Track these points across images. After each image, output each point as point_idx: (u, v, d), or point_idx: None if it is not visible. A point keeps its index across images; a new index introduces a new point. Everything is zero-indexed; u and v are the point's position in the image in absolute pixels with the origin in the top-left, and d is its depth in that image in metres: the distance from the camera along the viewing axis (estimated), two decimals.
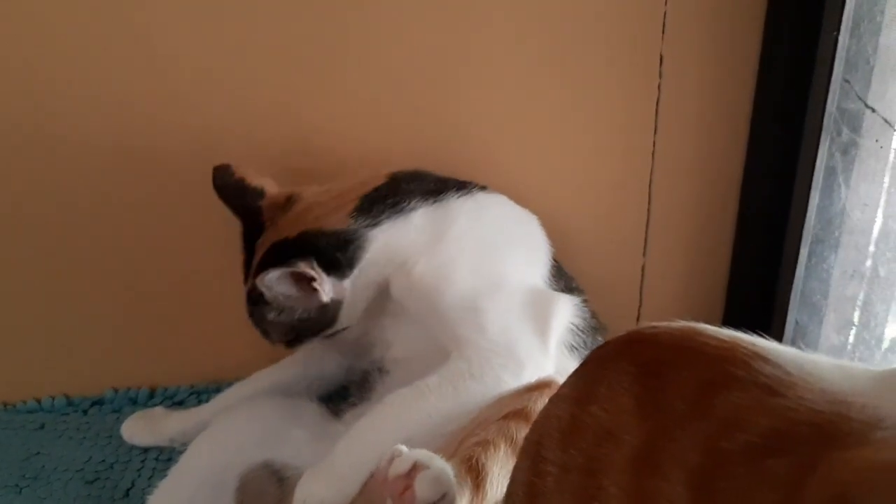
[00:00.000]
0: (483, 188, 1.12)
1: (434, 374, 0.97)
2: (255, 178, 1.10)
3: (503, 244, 1.09)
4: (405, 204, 1.05)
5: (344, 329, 1.08)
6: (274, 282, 0.98)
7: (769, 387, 0.50)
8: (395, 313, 1.08)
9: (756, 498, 0.47)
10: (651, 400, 0.56)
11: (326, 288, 1.00)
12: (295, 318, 1.04)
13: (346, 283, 1.03)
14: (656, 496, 0.52)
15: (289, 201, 1.08)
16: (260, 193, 1.09)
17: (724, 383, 0.52)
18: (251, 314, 1.07)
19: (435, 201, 1.07)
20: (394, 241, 1.04)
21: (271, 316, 1.05)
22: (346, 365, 1.20)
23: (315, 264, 0.99)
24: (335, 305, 1.03)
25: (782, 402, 0.49)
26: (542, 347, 1.00)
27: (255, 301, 1.05)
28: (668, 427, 0.53)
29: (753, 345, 0.54)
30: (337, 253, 1.01)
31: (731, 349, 0.54)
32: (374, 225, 1.03)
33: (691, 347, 0.56)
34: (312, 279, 0.99)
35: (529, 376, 0.96)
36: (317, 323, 1.05)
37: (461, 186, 1.10)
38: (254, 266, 1.06)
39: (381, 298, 1.07)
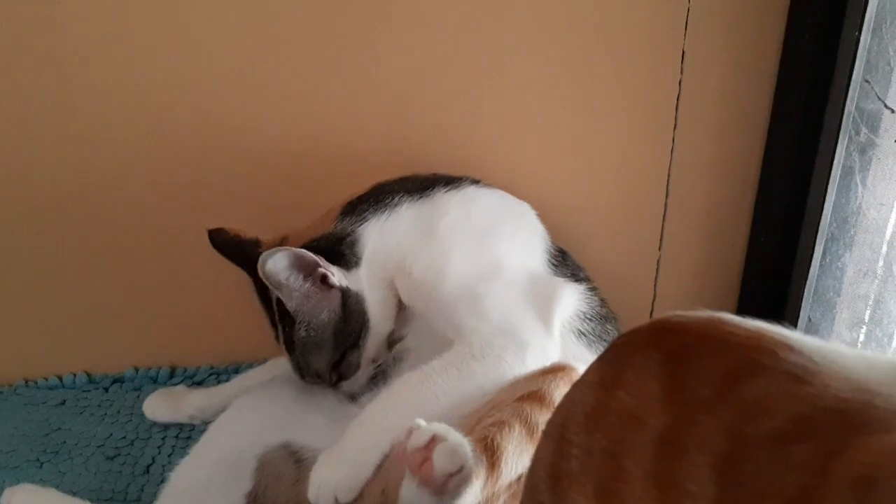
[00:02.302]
0: (475, 182, 1.14)
1: (438, 358, 0.99)
2: (248, 234, 1.12)
3: (496, 233, 1.10)
4: (388, 200, 1.07)
5: (388, 338, 1.09)
6: (276, 265, 0.98)
7: (795, 375, 0.51)
8: (403, 314, 1.10)
9: (780, 481, 0.48)
10: (677, 386, 0.57)
11: (334, 271, 1.02)
12: (324, 320, 1.03)
13: (358, 273, 1.04)
14: (680, 478, 0.53)
15: (284, 240, 1.09)
16: (256, 243, 1.10)
17: (750, 371, 0.54)
18: (294, 355, 1.06)
19: (421, 196, 1.09)
20: (386, 234, 1.06)
21: (302, 333, 1.03)
22: None
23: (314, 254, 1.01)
24: (357, 299, 1.04)
25: (808, 390, 0.50)
26: (545, 330, 1.02)
27: (288, 334, 1.04)
28: (694, 412, 0.55)
29: (779, 334, 0.55)
30: (334, 246, 1.04)
31: (757, 338, 0.55)
32: (361, 221, 1.06)
33: (718, 336, 0.58)
34: (316, 265, 1.00)
35: (533, 358, 0.98)
36: (351, 325, 1.04)
37: (450, 182, 1.11)
38: (275, 311, 1.06)
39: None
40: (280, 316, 1.06)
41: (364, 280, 1.05)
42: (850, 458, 0.45)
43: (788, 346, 0.54)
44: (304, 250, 0.99)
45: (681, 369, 0.58)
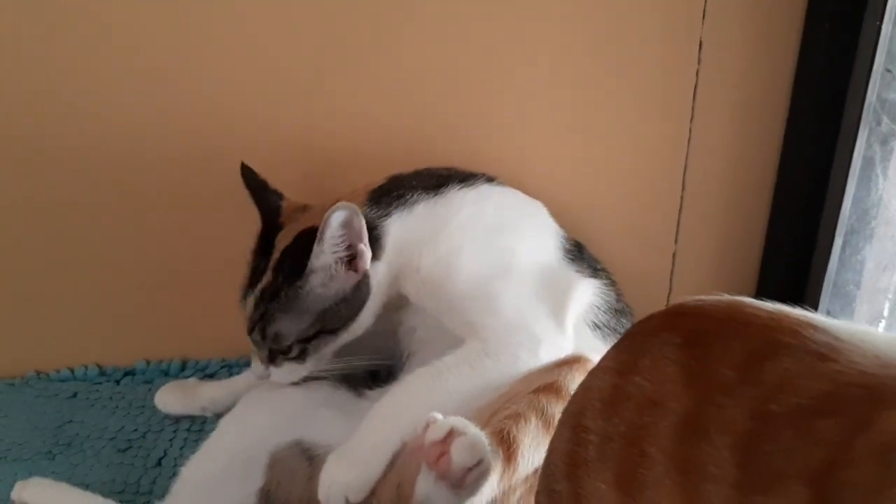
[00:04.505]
0: (490, 180, 1.13)
1: (451, 354, 0.98)
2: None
3: (508, 231, 1.09)
4: (408, 197, 1.06)
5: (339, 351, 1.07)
6: (339, 217, 0.96)
7: (820, 353, 0.51)
8: (414, 308, 1.09)
9: (803, 457, 0.48)
10: (698, 369, 0.56)
11: (367, 256, 1.00)
12: (329, 294, 1.01)
13: (377, 267, 1.03)
14: (701, 461, 0.53)
15: (305, 208, 1.09)
16: (280, 195, 1.10)
17: (774, 351, 0.53)
18: (264, 305, 1.03)
19: (436, 194, 1.08)
20: (404, 233, 1.05)
21: (302, 291, 1.00)
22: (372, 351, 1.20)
23: None
24: (367, 291, 1.03)
25: (833, 367, 0.49)
26: (559, 326, 1.01)
27: (275, 285, 1.02)
28: (716, 394, 0.54)
29: (802, 315, 0.55)
30: (368, 232, 1.02)
31: (780, 319, 0.55)
32: (386, 216, 1.04)
33: (739, 318, 0.57)
34: (360, 240, 0.99)
35: (546, 354, 0.97)
36: (347, 311, 1.02)
37: (465, 179, 1.11)
38: (274, 259, 1.04)
39: (399, 298, 1.08)
40: (279, 262, 1.03)
41: (378, 277, 1.03)
42: (877, 430, 0.44)
43: (812, 325, 0.53)
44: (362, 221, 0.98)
45: (701, 352, 0.57)
